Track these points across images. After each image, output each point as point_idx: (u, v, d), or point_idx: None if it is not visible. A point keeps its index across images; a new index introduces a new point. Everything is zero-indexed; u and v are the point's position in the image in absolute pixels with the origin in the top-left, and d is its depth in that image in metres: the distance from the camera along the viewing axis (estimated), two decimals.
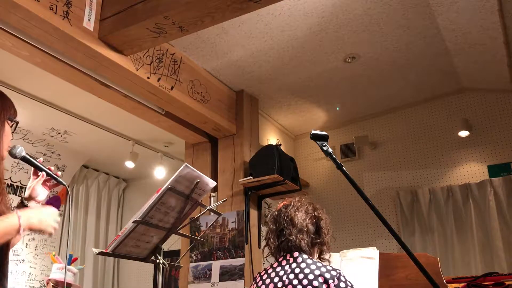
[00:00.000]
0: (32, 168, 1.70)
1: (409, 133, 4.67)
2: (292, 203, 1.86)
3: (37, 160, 1.69)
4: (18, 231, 1.36)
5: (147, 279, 5.82)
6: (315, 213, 1.84)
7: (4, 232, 1.34)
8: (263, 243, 3.99)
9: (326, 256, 1.86)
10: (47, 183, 1.71)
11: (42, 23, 2.50)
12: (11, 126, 1.58)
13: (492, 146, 4.24)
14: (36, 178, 1.69)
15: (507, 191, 4.01)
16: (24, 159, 1.64)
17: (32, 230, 1.43)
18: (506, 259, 3.82)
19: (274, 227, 1.85)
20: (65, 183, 1.71)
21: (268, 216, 1.93)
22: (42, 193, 1.70)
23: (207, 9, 2.54)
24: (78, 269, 3.75)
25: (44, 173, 1.68)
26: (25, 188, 1.76)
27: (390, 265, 2.03)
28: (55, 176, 1.69)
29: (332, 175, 4.92)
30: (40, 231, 1.46)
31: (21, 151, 1.62)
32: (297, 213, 1.80)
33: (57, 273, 3.56)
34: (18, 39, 2.67)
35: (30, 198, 1.67)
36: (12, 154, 1.61)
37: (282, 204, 1.90)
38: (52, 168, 1.73)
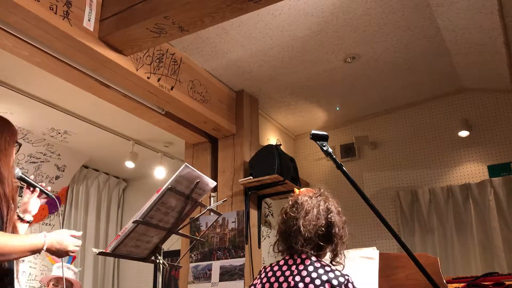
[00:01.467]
0: (25, 184, 1.96)
1: (409, 133, 4.67)
2: (303, 205, 1.71)
3: (30, 178, 1.95)
4: (40, 251, 1.55)
5: (147, 279, 5.82)
6: (328, 217, 1.68)
7: (29, 249, 1.52)
8: (263, 242, 4.00)
9: (340, 260, 1.73)
10: (39, 197, 1.98)
11: (42, 23, 2.50)
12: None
13: (492, 146, 4.24)
14: (30, 194, 1.95)
15: (507, 191, 4.00)
16: (20, 178, 1.88)
17: (50, 251, 1.59)
18: (506, 259, 3.82)
19: (284, 228, 1.73)
20: (54, 197, 1.98)
21: (280, 213, 1.79)
22: (35, 207, 1.96)
23: (207, 9, 2.54)
24: (78, 270, 3.79)
25: (37, 189, 1.95)
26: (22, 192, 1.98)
27: (390, 265, 2.03)
28: (47, 192, 1.97)
29: (332, 175, 4.92)
30: (58, 253, 1.63)
31: (18, 172, 1.85)
32: (306, 218, 1.67)
33: (58, 271, 3.60)
34: (18, 39, 2.67)
35: (25, 211, 1.91)
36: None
37: (294, 199, 1.76)
38: (44, 184, 1.99)
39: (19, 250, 1.49)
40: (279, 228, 1.77)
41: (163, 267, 2.00)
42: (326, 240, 1.68)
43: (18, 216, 1.86)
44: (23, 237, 1.53)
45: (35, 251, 1.54)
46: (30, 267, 5.02)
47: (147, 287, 5.78)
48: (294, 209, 1.72)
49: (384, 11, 3.24)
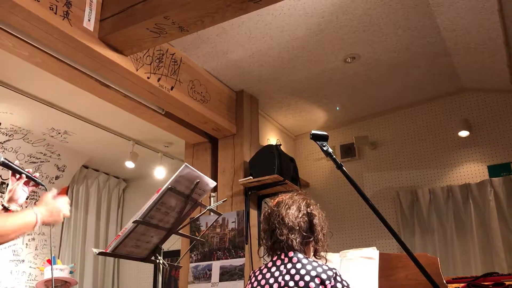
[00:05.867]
0: (10, 172, 1.80)
1: (409, 133, 4.67)
2: (284, 201, 1.80)
3: (15, 164, 1.78)
4: (33, 227, 1.50)
5: (147, 279, 5.82)
6: (308, 210, 1.77)
7: (20, 229, 1.46)
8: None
9: (322, 254, 1.81)
10: (26, 185, 1.81)
11: (42, 23, 2.50)
12: None
13: (492, 146, 4.24)
14: (16, 181, 1.78)
15: (507, 191, 4.00)
16: (3, 164, 1.73)
17: (45, 224, 1.57)
18: (506, 259, 3.82)
19: (267, 226, 1.80)
20: (44, 184, 1.83)
21: (262, 215, 1.89)
22: (23, 195, 1.80)
23: (207, 9, 2.54)
24: (70, 267, 3.79)
25: (23, 175, 1.78)
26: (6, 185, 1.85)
27: (390, 265, 2.03)
28: (34, 178, 1.80)
29: (332, 175, 4.92)
30: (54, 223, 1.60)
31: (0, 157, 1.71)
32: (288, 211, 1.75)
33: (48, 274, 3.61)
34: (18, 39, 2.67)
35: (11, 200, 1.76)
36: None
37: (275, 201, 1.85)
38: (31, 170, 1.83)
39: (14, 229, 1.45)
40: (263, 228, 1.84)
41: (163, 267, 2.00)
42: (308, 230, 1.75)
43: (3, 206, 1.72)
44: (15, 217, 1.48)
45: (29, 229, 1.50)
46: (30, 267, 5.02)
47: (147, 287, 5.78)
48: (276, 207, 1.81)
49: (384, 11, 3.24)
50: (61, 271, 3.66)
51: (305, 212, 1.77)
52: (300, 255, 1.68)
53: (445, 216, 4.22)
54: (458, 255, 4.06)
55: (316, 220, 1.76)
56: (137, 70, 3.13)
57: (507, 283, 2.06)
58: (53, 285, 3.53)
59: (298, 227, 1.72)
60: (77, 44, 2.71)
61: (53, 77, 3.19)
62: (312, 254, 1.79)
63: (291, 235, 1.70)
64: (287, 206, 1.77)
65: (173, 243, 4.36)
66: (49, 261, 3.64)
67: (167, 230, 1.97)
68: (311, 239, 1.75)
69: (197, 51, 3.66)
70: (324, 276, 1.58)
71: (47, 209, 1.58)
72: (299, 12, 3.22)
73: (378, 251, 2.08)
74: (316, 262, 1.66)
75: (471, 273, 3.77)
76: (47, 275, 3.60)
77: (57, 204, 1.63)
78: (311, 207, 1.80)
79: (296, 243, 1.70)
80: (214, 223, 3.89)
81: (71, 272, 3.72)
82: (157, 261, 2.00)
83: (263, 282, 1.69)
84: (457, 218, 4.17)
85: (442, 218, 4.24)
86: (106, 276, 5.90)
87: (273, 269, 1.70)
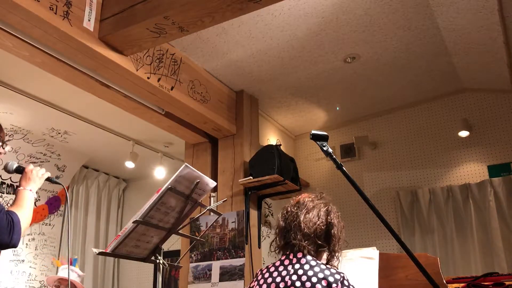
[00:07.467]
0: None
1: (409, 133, 4.67)
2: (306, 203, 1.76)
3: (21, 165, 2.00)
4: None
5: (147, 279, 5.82)
6: (328, 219, 1.73)
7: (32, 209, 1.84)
8: (263, 242, 4.01)
9: (335, 263, 1.76)
10: None
11: (42, 24, 2.50)
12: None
13: (492, 146, 4.24)
14: None
15: (507, 191, 4.00)
16: (17, 170, 1.95)
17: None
18: (506, 259, 3.82)
19: (283, 224, 1.76)
20: (60, 182, 2.09)
21: (281, 211, 1.83)
22: None
23: (207, 9, 2.54)
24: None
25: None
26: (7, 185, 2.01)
27: (390, 265, 2.03)
28: (50, 178, 2.03)
29: (332, 175, 4.92)
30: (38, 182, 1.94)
31: (12, 164, 1.95)
32: (307, 215, 1.71)
33: (63, 273, 3.60)
34: (18, 39, 2.67)
35: None
36: (7, 170, 1.96)
37: (295, 200, 1.81)
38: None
39: (31, 215, 1.84)
40: (279, 224, 1.80)
41: (163, 267, 2.00)
42: (323, 239, 1.71)
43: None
44: (29, 204, 1.83)
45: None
46: (30, 267, 5.02)
47: (147, 287, 5.78)
48: (296, 207, 1.77)
49: (384, 11, 3.24)
50: (78, 277, 3.64)
51: (324, 220, 1.72)
52: (309, 257, 1.66)
53: (445, 216, 4.22)
54: (458, 255, 4.06)
55: (334, 231, 1.72)
56: (137, 70, 3.13)
57: (507, 283, 2.06)
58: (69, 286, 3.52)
59: (313, 235, 1.69)
60: (77, 44, 2.71)
61: (53, 77, 3.19)
62: (324, 261, 1.75)
63: (304, 241, 1.68)
64: (306, 209, 1.73)
65: (173, 243, 4.36)
66: (71, 261, 3.63)
67: (167, 230, 1.97)
68: (325, 248, 1.72)
69: (197, 51, 3.66)
70: (331, 279, 1.57)
71: (34, 182, 1.91)
72: (299, 12, 3.22)
73: (378, 251, 2.08)
74: (325, 265, 1.65)
75: (471, 273, 3.77)
76: (63, 274, 3.59)
77: (35, 172, 1.94)
78: (331, 215, 1.75)
79: (307, 250, 1.67)
80: (214, 223, 3.89)
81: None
82: (157, 261, 2.00)
83: (269, 280, 1.69)
84: (457, 218, 4.17)
85: (442, 218, 4.24)
86: (106, 276, 5.90)
87: (281, 268, 1.69)
